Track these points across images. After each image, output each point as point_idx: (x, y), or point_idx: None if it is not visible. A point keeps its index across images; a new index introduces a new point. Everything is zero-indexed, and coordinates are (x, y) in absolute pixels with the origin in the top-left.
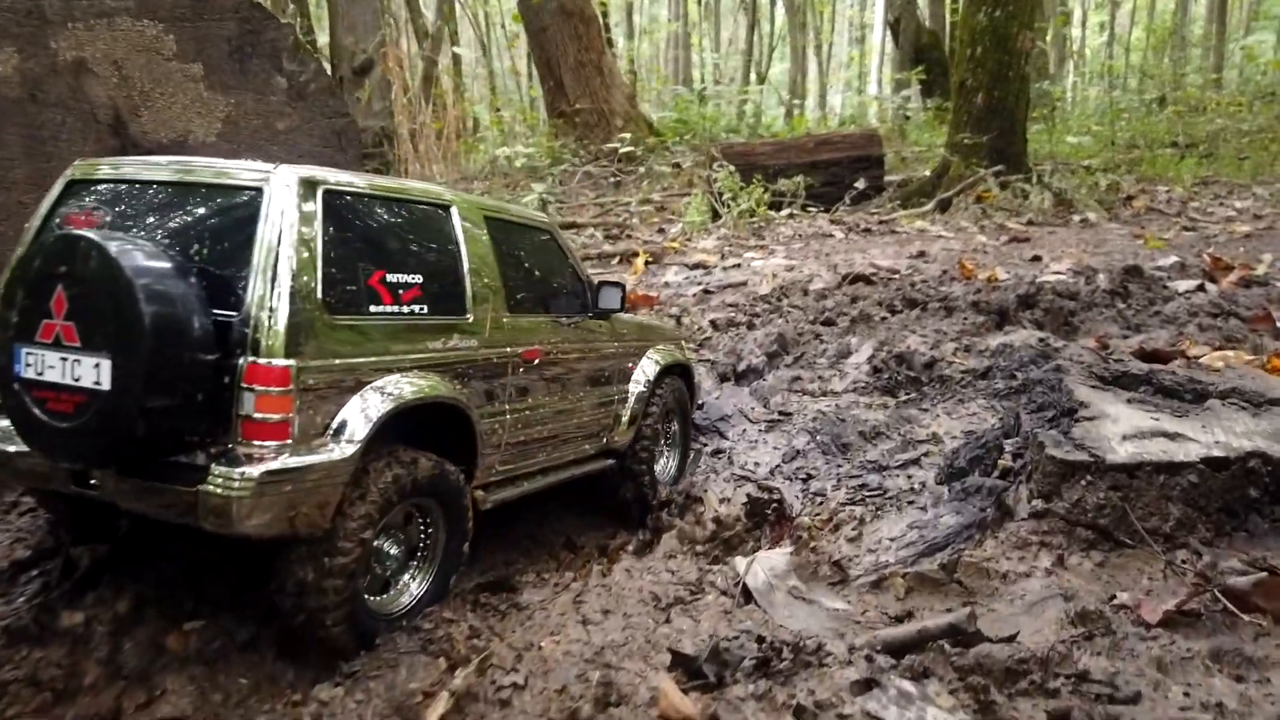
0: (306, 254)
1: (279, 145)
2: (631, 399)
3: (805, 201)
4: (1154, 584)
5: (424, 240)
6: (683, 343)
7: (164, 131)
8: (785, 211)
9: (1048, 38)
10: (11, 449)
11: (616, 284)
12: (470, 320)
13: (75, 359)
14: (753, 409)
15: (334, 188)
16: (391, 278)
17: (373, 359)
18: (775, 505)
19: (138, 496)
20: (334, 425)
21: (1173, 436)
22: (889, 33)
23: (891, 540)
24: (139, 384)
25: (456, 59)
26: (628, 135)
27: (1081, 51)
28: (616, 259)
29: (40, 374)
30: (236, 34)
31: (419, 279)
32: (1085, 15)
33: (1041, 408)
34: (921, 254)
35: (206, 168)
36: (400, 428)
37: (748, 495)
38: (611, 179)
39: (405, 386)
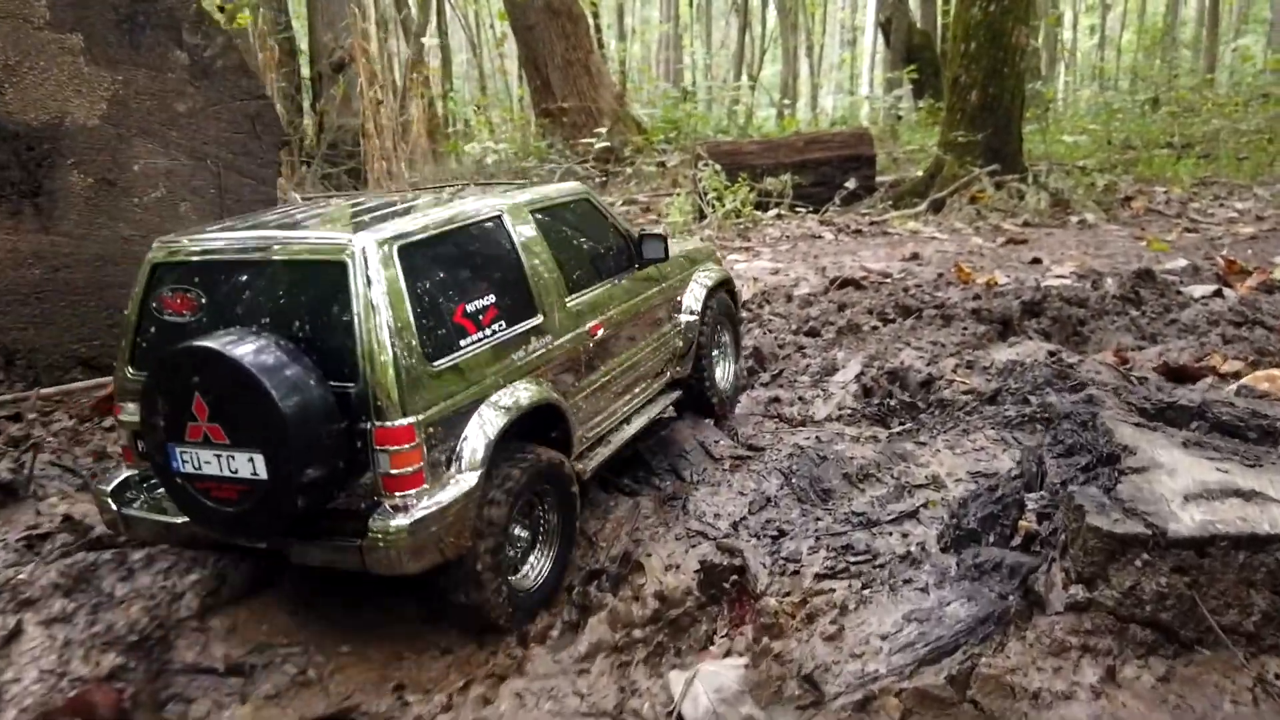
0: (400, 314)
1: (178, 130)
2: (685, 327)
3: (794, 202)
4: (1240, 708)
5: (488, 259)
6: (716, 254)
7: (34, 112)
8: (773, 212)
9: (1039, 38)
10: (180, 520)
11: (658, 235)
12: (541, 319)
13: (229, 455)
14: (717, 442)
15: (409, 240)
16: (471, 307)
17: (475, 389)
18: (736, 574)
19: (304, 552)
20: (456, 459)
21: (1249, 496)
22: (880, 34)
23: (882, 639)
24: (292, 469)
25: (439, 51)
26: (603, 130)
27: (1073, 51)
28: None
29: (199, 469)
30: (125, 0)
31: (492, 299)
32: (1076, 18)
33: (1071, 450)
34: (915, 256)
35: (288, 243)
36: (507, 432)
37: (701, 560)
38: (598, 179)
39: (505, 404)
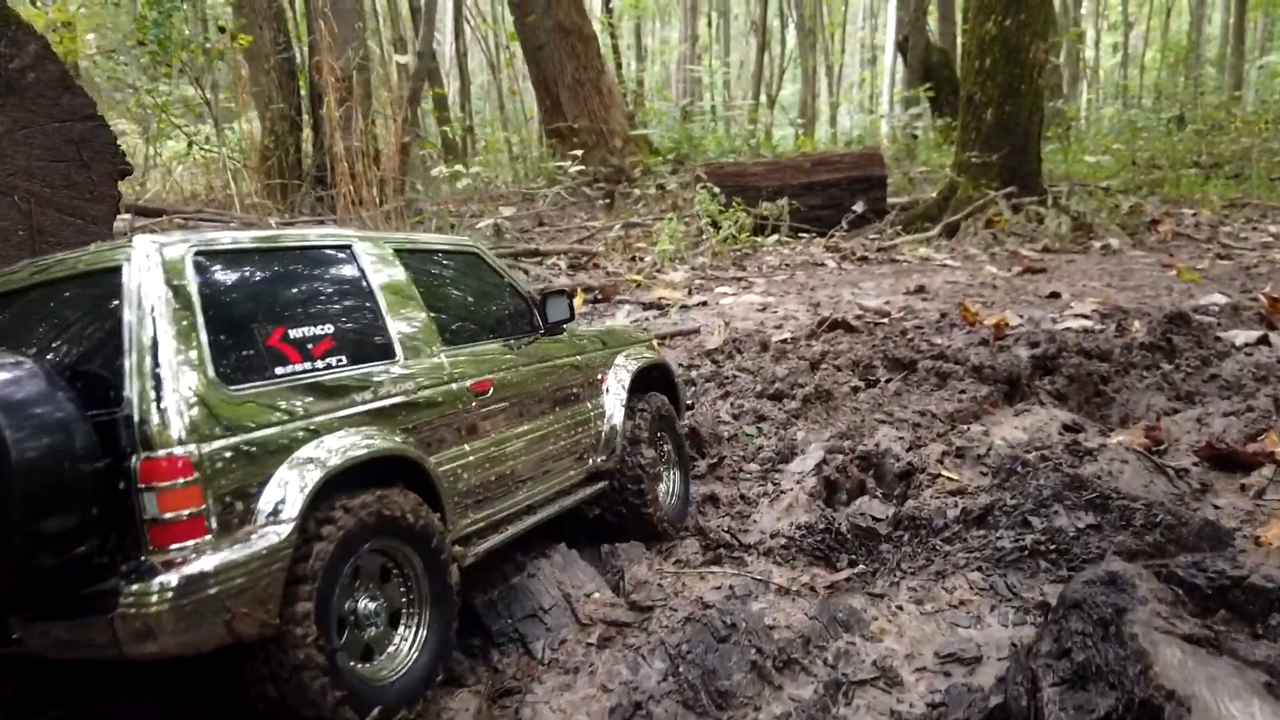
0: (183, 326)
1: None
2: (609, 411)
3: (799, 226)
4: None
5: (328, 287)
6: (652, 342)
7: None
8: (774, 238)
9: (1060, 55)
10: None
11: (561, 292)
12: (399, 362)
13: None
14: (589, 596)
15: (203, 248)
16: (295, 333)
17: (291, 425)
18: None
19: (56, 640)
20: (260, 506)
21: None
22: (899, 52)
23: None
24: (18, 509)
25: (419, 68)
26: (578, 153)
27: (1096, 69)
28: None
29: None
30: None
31: (329, 329)
32: (1098, 35)
33: (1083, 676)
34: (920, 289)
35: (61, 261)
36: (337, 484)
37: None
38: (603, 200)
39: (337, 448)
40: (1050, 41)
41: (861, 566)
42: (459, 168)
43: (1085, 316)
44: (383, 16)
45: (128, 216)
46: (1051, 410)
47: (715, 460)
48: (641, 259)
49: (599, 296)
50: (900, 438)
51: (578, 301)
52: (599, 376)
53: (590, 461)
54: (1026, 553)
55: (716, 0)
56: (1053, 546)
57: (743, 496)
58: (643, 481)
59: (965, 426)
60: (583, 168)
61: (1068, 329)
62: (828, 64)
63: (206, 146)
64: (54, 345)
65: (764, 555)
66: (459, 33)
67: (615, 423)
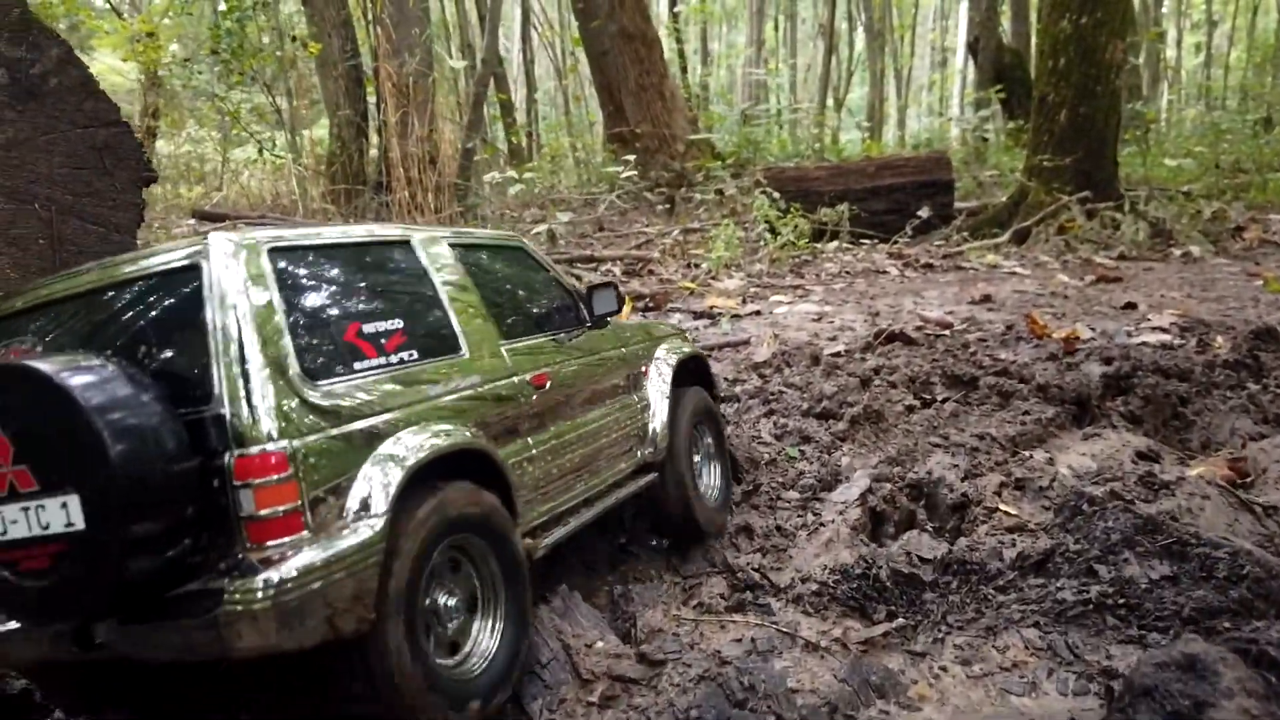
0: (267, 323)
1: None
2: (653, 403)
3: (861, 232)
4: None
5: (393, 282)
6: (686, 333)
7: None
8: (834, 244)
9: (1140, 56)
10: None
11: (607, 284)
12: (466, 356)
13: (38, 504)
14: (593, 644)
15: (282, 245)
16: (369, 328)
17: (375, 419)
18: None
19: (153, 643)
20: (351, 500)
21: None
22: (969, 54)
23: None
24: (118, 513)
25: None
26: (631, 157)
27: (1178, 68)
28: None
29: (4, 533)
30: None
31: (399, 324)
32: (1180, 35)
33: None
34: (986, 299)
35: (132, 260)
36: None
37: None
38: (664, 206)
39: (419, 442)
40: (1129, 41)
41: (901, 620)
42: (512, 173)
43: (1163, 330)
44: (450, 24)
45: (192, 221)
46: (1124, 435)
47: (751, 487)
48: (697, 265)
49: (650, 304)
50: (955, 465)
51: (625, 310)
52: (642, 368)
53: (638, 454)
54: (1091, 607)
55: (783, 4)
56: (1121, 600)
57: (779, 528)
58: (683, 476)
59: (1028, 453)
60: (636, 171)
61: (1144, 344)
62: (896, 67)
63: (275, 153)
64: (132, 346)
65: (793, 602)
66: (526, 39)
67: (660, 415)
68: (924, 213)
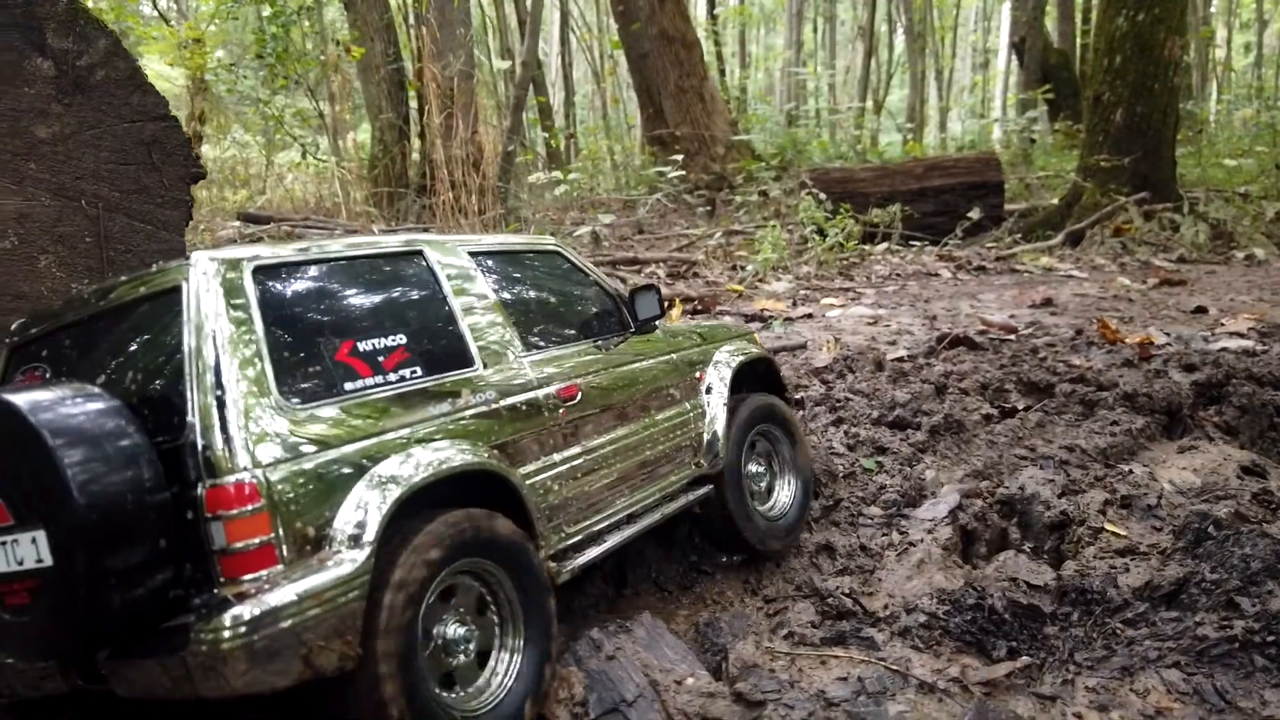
0: (245, 346)
1: (37, 162)
2: (710, 411)
3: (909, 234)
4: None
5: (398, 295)
6: (754, 336)
7: None
8: (883, 246)
9: (1190, 53)
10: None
11: (649, 287)
12: (479, 371)
13: (13, 539)
14: (683, 680)
15: (263, 263)
16: (365, 346)
17: (364, 444)
18: None
19: (135, 680)
20: (335, 530)
21: None
22: (1014, 54)
23: None
24: (82, 546)
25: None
26: (679, 157)
27: (1229, 68)
28: (668, 304)
29: None
30: None
31: (402, 339)
32: (1230, 35)
33: None
34: (1047, 302)
35: (124, 284)
36: (418, 503)
37: None
38: (704, 208)
39: (414, 465)
40: (1184, 37)
41: (1026, 658)
42: (557, 174)
43: (1242, 335)
44: (491, 27)
45: (237, 223)
46: (1223, 448)
47: (831, 502)
48: (742, 268)
49: (698, 307)
50: (1050, 480)
51: (675, 313)
52: (698, 375)
53: (692, 465)
54: (1237, 645)
55: (822, 6)
56: (1271, 638)
57: (864, 547)
58: (742, 488)
59: (1125, 467)
60: (683, 172)
61: (1224, 350)
62: (937, 68)
63: (319, 156)
64: (120, 373)
65: (900, 635)
66: (565, 43)
67: (717, 424)
68: (974, 214)
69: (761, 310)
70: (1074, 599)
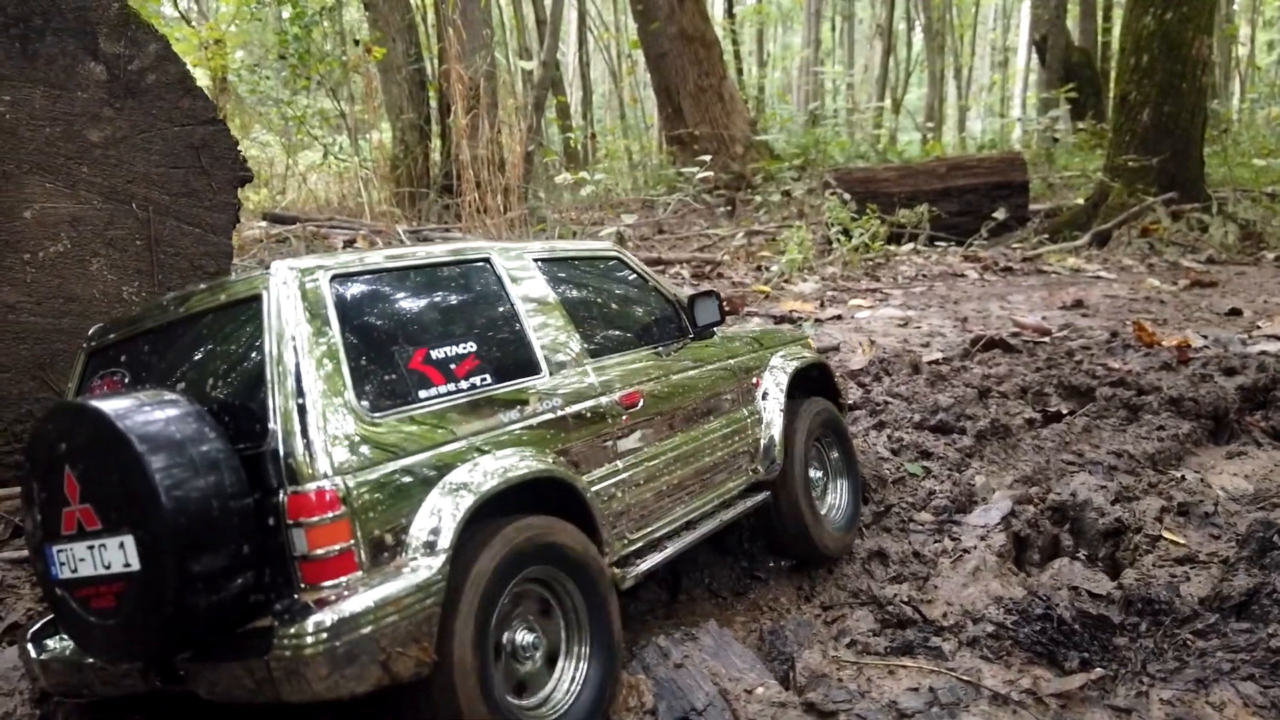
0: (325, 354)
1: (90, 165)
2: (767, 416)
3: (933, 234)
4: None
5: (468, 303)
6: (809, 340)
7: None
8: (908, 247)
9: (1213, 51)
10: (89, 660)
11: (710, 293)
12: (545, 378)
13: (101, 544)
14: (753, 689)
15: (343, 271)
16: (438, 353)
17: (437, 451)
18: None
19: (217, 682)
20: (411, 537)
21: None
22: (1034, 52)
23: None
24: (169, 551)
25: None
26: (707, 158)
27: (1253, 63)
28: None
29: (75, 571)
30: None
31: (472, 347)
32: (1254, 32)
33: None
34: (1078, 303)
35: (203, 293)
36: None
37: None
38: (724, 208)
39: (486, 472)
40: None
41: (1100, 670)
42: (584, 174)
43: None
44: (509, 28)
45: (263, 223)
46: (1272, 453)
47: (881, 508)
48: (766, 268)
49: (726, 308)
50: (1101, 486)
51: None
52: (754, 380)
53: (749, 472)
54: None
55: (841, 4)
56: None
57: (916, 554)
58: (798, 494)
59: (1177, 473)
60: (710, 173)
61: (1264, 353)
62: (956, 66)
63: (341, 156)
64: (201, 380)
65: (968, 645)
66: (582, 43)
67: (774, 429)
68: (999, 215)
69: (790, 311)
70: (1140, 609)
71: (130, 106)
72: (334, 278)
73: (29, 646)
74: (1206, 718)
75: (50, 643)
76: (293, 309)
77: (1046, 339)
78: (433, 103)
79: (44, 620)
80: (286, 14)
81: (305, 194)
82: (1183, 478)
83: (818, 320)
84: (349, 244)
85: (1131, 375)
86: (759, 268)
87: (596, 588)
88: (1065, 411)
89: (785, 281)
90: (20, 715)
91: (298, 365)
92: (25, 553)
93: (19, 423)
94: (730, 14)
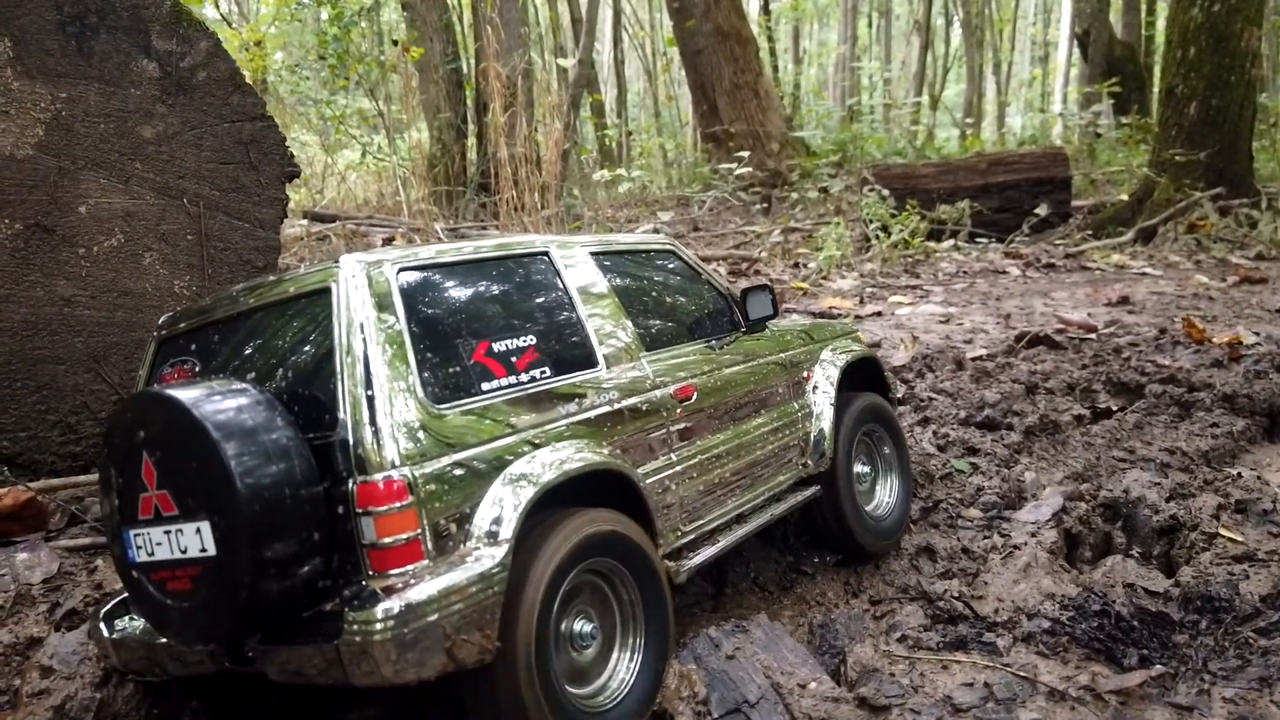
0: (393, 346)
1: (143, 161)
2: (817, 410)
3: (974, 231)
4: None
5: (527, 296)
6: (858, 334)
7: None
8: (948, 243)
9: (1262, 43)
10: (161, 640)
11: (763, 287)
12: (602, 371)
13: (178, 529)
14: (805, 683)
15: (410, 264)
16: (499, 346)
17: (500, 443)
18: None
19: (287, 665)
20: (474, 527)
21: None
22: (1076, 46)
23: None
24: (245, 537)
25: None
26: (745, 154)
27: None
28: None
29: (152, 554)
30: None
31: (532, 340)
32: None
33: None
34: (1124, 300)
35: (272, 284)
36: (549, 501)
37: None
38: (760, 205)
39: (547, 464)
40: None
41: (1160, 667)
42: (621, 171)
43: None
44: (545, 26)
45: (304, 221)
46: None
47: (929, 504)
48: (804, 265)
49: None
50: (1155, 483)
51: None
52: (805, 374)
53: (799, 466)
54: None
55: (878, 0)
56: None
57: (965, 550)
58: (848, 489)
59: (1232, 470)
60: (748, 169)
61: None
62: (995, 61)
63: (379, 155)
64: (270, 370)
65: (1023, 641)
66: (617, 41)
67: (824, 423)
68: (1041, 211)
69: (829, 308)
70: (1199, 606)
71: (182, 103)
72: (400, 271)
73: (100, 626)
74: (1271, 716)
75: (120, 623)
76: (362, 301)
77: (1093, 336)
78: (469, 102)
79: (115, 600)
80: (325, 15)
81: (344, 193)
82: (1238, 475)
83: (857, 317)
84: (387, 241)
85: (1182, 372)
86: (796, 265)
87: (652, 580)
88: (1115, 408)
89: (823, 278)
90: (81, 699)
91: (367, 356)
92: (82, 541)
93: (74, 414)
94: (766, 11)
